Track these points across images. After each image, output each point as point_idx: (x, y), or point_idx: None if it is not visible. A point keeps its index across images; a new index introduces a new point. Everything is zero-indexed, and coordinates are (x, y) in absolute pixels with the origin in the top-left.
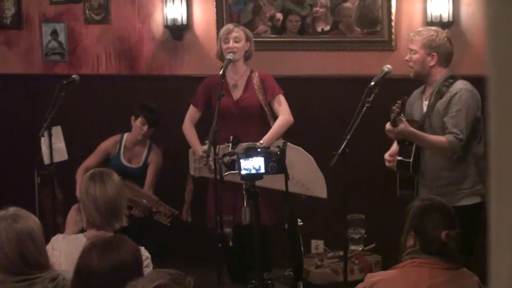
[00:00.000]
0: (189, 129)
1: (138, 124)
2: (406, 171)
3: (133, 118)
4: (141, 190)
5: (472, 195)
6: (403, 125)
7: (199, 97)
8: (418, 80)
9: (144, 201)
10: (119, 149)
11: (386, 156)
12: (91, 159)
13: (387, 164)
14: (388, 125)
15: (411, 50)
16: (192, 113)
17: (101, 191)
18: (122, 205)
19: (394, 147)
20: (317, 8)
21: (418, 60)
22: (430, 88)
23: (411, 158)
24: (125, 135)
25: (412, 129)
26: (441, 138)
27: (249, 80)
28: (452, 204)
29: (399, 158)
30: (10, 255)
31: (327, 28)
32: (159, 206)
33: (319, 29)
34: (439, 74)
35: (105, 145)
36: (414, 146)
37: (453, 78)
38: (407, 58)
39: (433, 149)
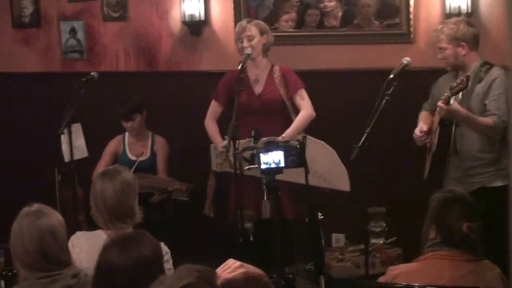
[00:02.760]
0: (211, 124)
1: (124, 125)
2: (444, 152)
3: None
4: (153, 176)
5: (503, 177)
6: (456, 104)
7: (221, 92)
8: (455, 71)
9: (159, 183)
10: (124, 146)
11: (417, 131)
12: (101, 164)
13: (418, 140)
14: (440, 103)
15: (441, 48)
16: (214, 108)
17: (102, 190)
18: (127, 204)
19: (422, 125)
20: (326, 3)
21: (451, 55)
22: (464, 73)
23: (451, 139)
24: (127, 132)
25: (462, 109)
26: (487, 119)
27: (270, 75)
28: (483, 185)
29: (440, 140)
30: (32, 252)
31: (337, 23)
32: (174, 184)
33: (328, 24)
34: (473, 60)
35: (111, 146)
36: (453, 127)
37: (488, 64)
38: (440, 56)
39: (479, 130)
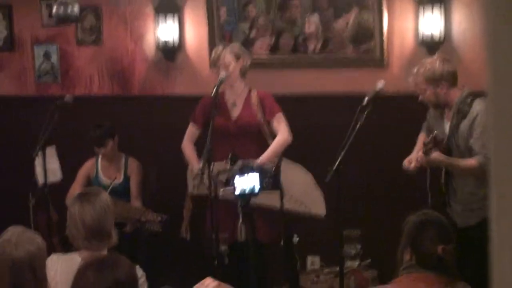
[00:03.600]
0: (188, 147)
1: (96, 151)
2: (438, 186)
3: None
4: (126, 204)
5: None
6: (436, 154)
7: (198, 115)
8: (438, 108)
9: (132, 213)
10: (97, 169)
11: (405, 162)
12: (75, 187)
13: (406, 167)
14: (419, 154)
15: (420, 90)
16: (191, 131)
17: (81, 209)
18: (106, 225)
19: (413, 155)
20: (306, 30)
21: (432, 95)
22: (450, 109)
23: (443, 179)
24: (100, 155)
25: (444, 157)
26: (471, 161)
27: (247, 99)
28: (484, 216)
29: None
30: (7, 285)
31: (319, 46)
32: (147, 215)
33: (311, 48)
34: (454, 95)
35: (84, 169)
36: (443, 169)
37: (471, 95)
38: (420, 99)
39: (465, 172)
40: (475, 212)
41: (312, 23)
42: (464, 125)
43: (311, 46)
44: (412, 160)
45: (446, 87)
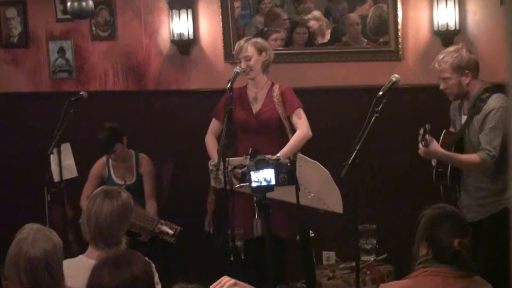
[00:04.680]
0: (210, 141)
1: (106, 156)
2: (444, 181)
3: None
4: (141, 212)
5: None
6: (434, 146)
7: (220, 110)
8: (457, 99)
9: (146, 224)
10: (109, 170)
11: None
12: (88, 188)
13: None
14: (420, 145)
15: (444, 78)
16: (213, 126)
17: (97, 208)
18: (119, 228)
19: None
20: (310, 23)
21: (455, 85)
22: (468, 102)
23: (448, 169)
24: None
25: (442, 150)
26: (472, 157)
27: (269, 93)
28: (492, 212)
29: (439, 169)
30: (24, 282)
31: (324, 41)
32: (160, 226)
33: (316, 42)
34: (475, 87)
35: (95, 170)
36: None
37: (489, 90)
38: (442, 87)
39: (465, 168)
40: (484, 207)
41: (313, 20)
42: (477, 120)
43: (325, 40)
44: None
45: (470, 76)
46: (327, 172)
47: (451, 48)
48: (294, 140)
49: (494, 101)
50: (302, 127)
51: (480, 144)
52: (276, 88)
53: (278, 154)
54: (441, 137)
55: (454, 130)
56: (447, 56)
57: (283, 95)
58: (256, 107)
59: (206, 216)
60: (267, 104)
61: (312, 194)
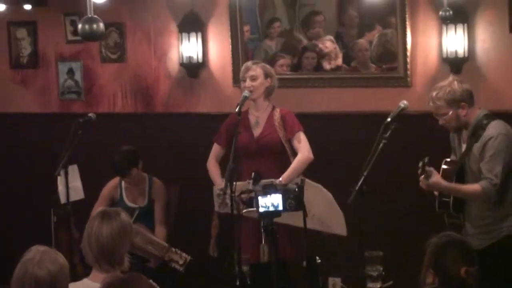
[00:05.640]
0: (212, 166)
1: (120, 179)
2: (447, 210)
3: None
4: (152, 238)
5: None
6: (435, 179)
7: (222, 134)
8: (458, 131)
9: (155, 250)
10: (121, 192)
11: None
12: (98, 207)
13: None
14: (421, 178)
15: (441, 114)
16: (216, 151)
17: (97, 229)
18: (120, 248)
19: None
20: (321, 46)
21: (453, 119)
22: (467, 130)
23: (451, 199)
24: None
25: (443, 183)
26: (474, 187)
27: (270, 117)
28: (495, 240)
29: (442, 198)
30: None
31: (333, 66)
32: (171, 254)
33: (325, 67)
34: (473, 116)
35: (107, 191)
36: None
37: (487, 117)
38: (441, 123)
39: (468, 198)
40: (487, 235)
41: (327, 43)
42: (476, 148)
43: (333, 65)
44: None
45: (466, 107)
46: (330, 195)
47: (442, 83)
48: (296, 163)
49: (493, 129)
50: (303, 150)
51: (481, 173)
52: (277, 112)
53: (280, 178)
54: (442, 167)
55: (455, 158)
56: (440, 92)
57: (284, 118)
58: (257, 131)
59: (210, 240)
60: (268, 128)
61: (316, 217)
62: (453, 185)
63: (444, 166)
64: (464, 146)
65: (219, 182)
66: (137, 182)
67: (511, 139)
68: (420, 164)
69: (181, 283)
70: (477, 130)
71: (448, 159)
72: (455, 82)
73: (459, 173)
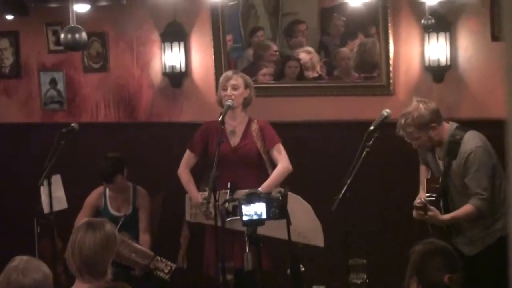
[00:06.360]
0: (185, 175)
1: (105, 185)
2: (441, 229)
3: None
4: (137, 247)
5: (504, 231)
6: (433, 213)
7: (197, 142)
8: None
9: (141, 259)
10: (105, 200)
11: (416, 201)
12: (82, 217)
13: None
14: (415, 213)
15: (414, 139)
16: (188, 158)
17: (82, 238)
18: (102, 259)
19: (420, 193)
20: (301, 56)
21: (426, 141)
22: (442, 148)
23: (442, 211)
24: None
25: (441, 217)
26: (467, 209)
27: (247, 127)
28: (489, 244)
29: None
30: None
31: (315, 75)
32: (156, 262)
33: (307, 76)
34: (444, 132)
35: (91, 200)
36: (441, 204)
37: (459, 130)
38: (415, 146)
39: (466, 221)
40: (479, 241)
41: (304, 53)
42: (457, 164)
43: (316, 74)
44: (421, 198)
45: (437, 127)
46: (309, 206)
47: (408, 109)
48: (276, 174)
49: (469, 143)
50: (283, 161)
51: (468, 189)
52: (255, 123)
53: (259, 188)
54: (425, 187)
55: (429, 172)
56: (408, 118)
57: (262, 130)
58: (234, 141)
59: (180, 250)
60: (245, 138)
61: (293, 228)
62: (449, 217)
63: (426, 186)
64: (440, 163)
65: (194, 191)
66: (121, 190)
67: (488, 149)
68: (420, 204)
69: None
70: (452, 147)
71: (429, 178)
72: (421, 105)
73: (441, 190)
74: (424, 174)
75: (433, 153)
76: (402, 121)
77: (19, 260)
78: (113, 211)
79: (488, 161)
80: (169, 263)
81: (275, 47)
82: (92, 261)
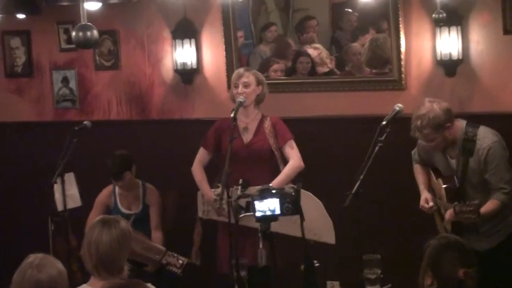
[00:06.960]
0: (198, 171)
1: (114, 183)
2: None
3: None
4: (149, 243)
5: None
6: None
7: (210, 140)
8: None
9: (153, 254)
10: (115, 199)
11: (424, 204)
12: (93, 216)
13: (426, 209)
14: (449, 213)
15: (430, 140)
16: (202, 156)
17: (97, 237)
18: (119, 256)
19: (426, 194)
20: (310, 51)
21: (442, 141)
22: (454, 146)
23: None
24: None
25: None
26: (494, 204)
27: (260, 124)
28: (501, 240)
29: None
30: None
31: (327, 70)
32: (168, 257)
33: (319, 72)
34: (458, 130)
35: (101, 198)
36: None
37: (471, 127)
38: (430, 147)
39: (495, 215)
40: (492, 237)
41: (314, 49)
42: (474, 161)
43: (328, 69)
44: (428, 200)
45: (451, 126)
46: (320, 202)
47: (422, 110)
48: (287, 170)
49: (485, 139)
50: (295, 157)
51: (490, 184)
52: (267, 120)
53: (270, 184)
54: (442, 186)
55: (441, 171)
56: (424, 120)
57: (274, 126)
58: (246, 137)
59: (193, 247)
60: (258, 134)
61: (304, 225)
62: (481, 215)
63: (444, 186)
64: (453, 162)
65: (205, 187)
66: (130, 187)
67: (503, 142)
68: (472, 206)
69: (179, 286)
70: (467, 144)
71: (444, 176)
72: (434, 106)
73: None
74: (421, 173)
75: (443, 153)
76: (418, 123)
77: (34, 257)
78: (123, 209)
79: (505, 155)
80: (181, 257)
81: (292, 44)
82: (109, 258)
